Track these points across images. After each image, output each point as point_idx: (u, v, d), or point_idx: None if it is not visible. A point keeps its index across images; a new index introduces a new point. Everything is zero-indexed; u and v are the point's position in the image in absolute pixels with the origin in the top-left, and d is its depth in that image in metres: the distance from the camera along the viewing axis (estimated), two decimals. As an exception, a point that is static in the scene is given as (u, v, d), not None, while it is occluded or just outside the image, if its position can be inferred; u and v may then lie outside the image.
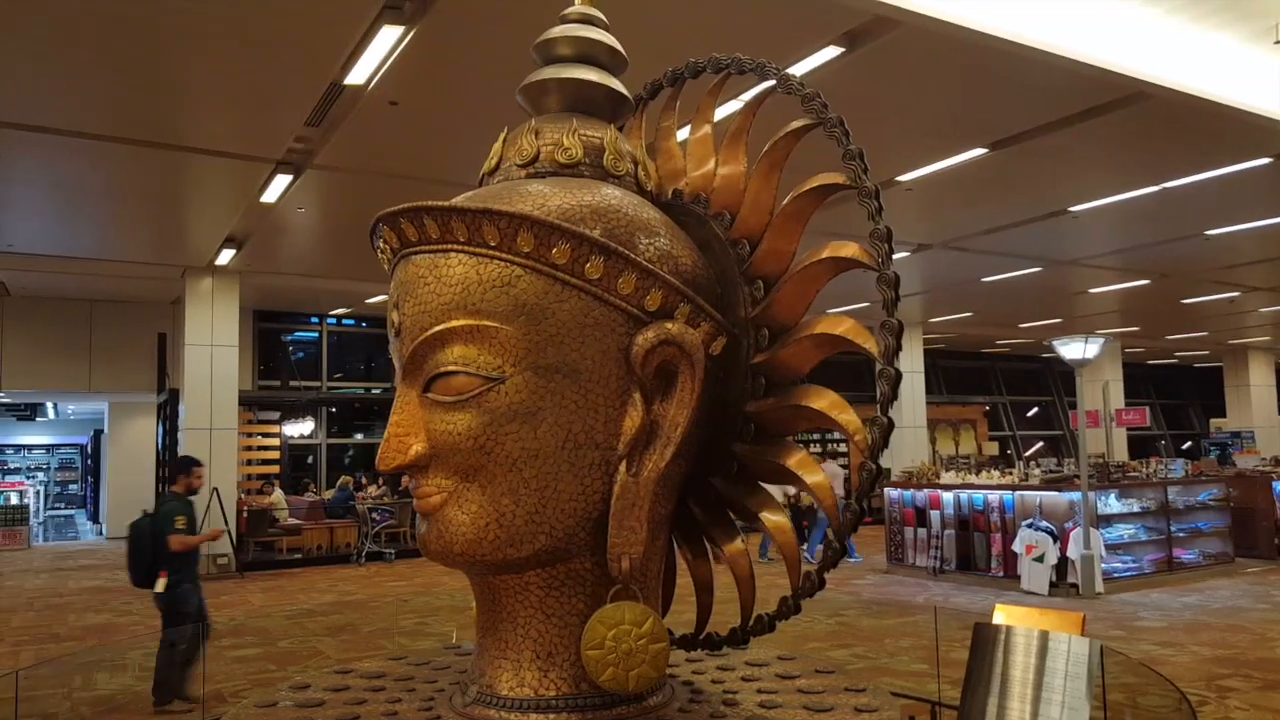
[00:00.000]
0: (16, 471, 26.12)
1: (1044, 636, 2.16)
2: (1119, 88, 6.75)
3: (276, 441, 16.38)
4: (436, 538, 1.53)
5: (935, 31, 5.75)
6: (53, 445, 28.10)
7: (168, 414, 14.39)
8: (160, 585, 5.56)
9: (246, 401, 14.89)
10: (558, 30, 1.81)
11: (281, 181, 8.82)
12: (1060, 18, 6.11)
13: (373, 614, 9.67)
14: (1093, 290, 15.67)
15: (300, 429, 17.18)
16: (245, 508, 13.18)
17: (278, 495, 14.17)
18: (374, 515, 14.02)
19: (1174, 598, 9.50)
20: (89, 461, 25.81)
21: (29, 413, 25.15)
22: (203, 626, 5.88)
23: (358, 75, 6.42)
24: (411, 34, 5.80)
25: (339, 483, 15.28)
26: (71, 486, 28.18)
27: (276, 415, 16.52)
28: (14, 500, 18.33)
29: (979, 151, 8.35)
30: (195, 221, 10.64)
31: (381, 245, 1.64)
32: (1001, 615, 2.73)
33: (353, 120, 7.24)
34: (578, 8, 1.84)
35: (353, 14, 5.58)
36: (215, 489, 12.10)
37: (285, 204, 9.55)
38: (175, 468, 6.39)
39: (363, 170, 8.58)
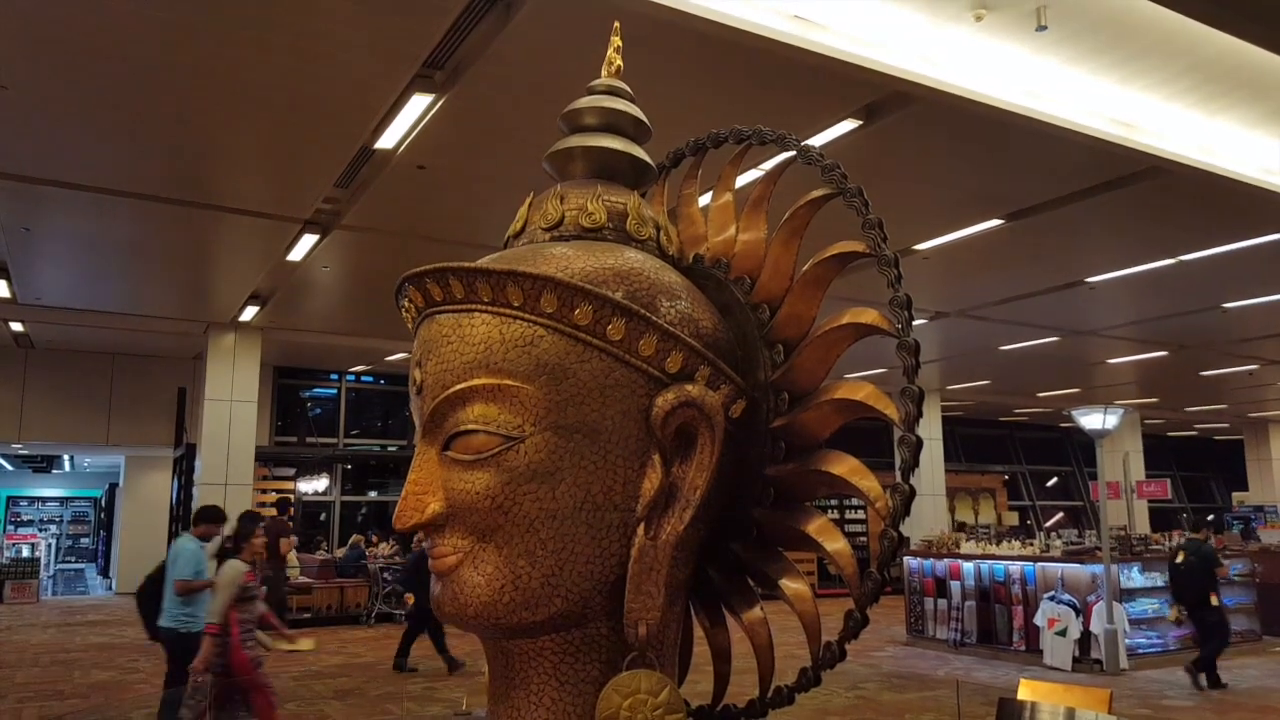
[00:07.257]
0: (29, 524, 26.09)
1: (1070, 714, 2.09)
2: (1134, 162, 6.82)
3: (291, 498, 16.33)
4: (451, 599, 1.51)
5: (952, 105, 5.85)
6: (67, 498, 28.08)
7: (184, 468, 14.42)
8: None
9: (263, 457, 14.90)
10: (584, 101, 1.86)
11: (308, 241, 8.99)
12: (1076, 94, 6.21)
13: (381, 677, 9.50)
14: (1111, 361, 15.58)
15: (315, 485, 17.14)
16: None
17: (290, 552, 14.06)
18: (385, 575, 13.87)
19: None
20: (102, 515, 25.74)
21: (45, 464, 25.23)
22: None
23: (388, 140, 6.59)
24: (441, 102, 5.98)
25: (351, 541, 15.16)
26: (83, 540, 28.03)
27: (292, 471, 16.51)
28: (25, 553, 18.29)
29: (996, 222, 8.41)
30: (221, 278, 10.82)
31: (406, 304, 1.66)
32: (1026, 691, 2.66)
33: (381, 183, 7.41)
34: (604, 80, 1.90)
35: (385, 82, 5.76)
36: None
37: (311, 262, 9.71)
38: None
39: (388, 231, 8.74)
